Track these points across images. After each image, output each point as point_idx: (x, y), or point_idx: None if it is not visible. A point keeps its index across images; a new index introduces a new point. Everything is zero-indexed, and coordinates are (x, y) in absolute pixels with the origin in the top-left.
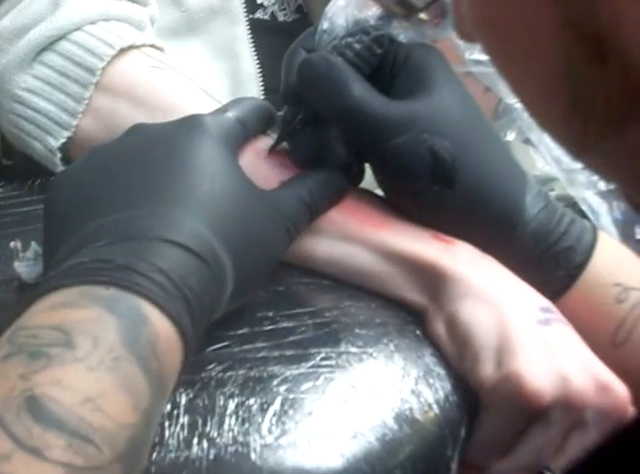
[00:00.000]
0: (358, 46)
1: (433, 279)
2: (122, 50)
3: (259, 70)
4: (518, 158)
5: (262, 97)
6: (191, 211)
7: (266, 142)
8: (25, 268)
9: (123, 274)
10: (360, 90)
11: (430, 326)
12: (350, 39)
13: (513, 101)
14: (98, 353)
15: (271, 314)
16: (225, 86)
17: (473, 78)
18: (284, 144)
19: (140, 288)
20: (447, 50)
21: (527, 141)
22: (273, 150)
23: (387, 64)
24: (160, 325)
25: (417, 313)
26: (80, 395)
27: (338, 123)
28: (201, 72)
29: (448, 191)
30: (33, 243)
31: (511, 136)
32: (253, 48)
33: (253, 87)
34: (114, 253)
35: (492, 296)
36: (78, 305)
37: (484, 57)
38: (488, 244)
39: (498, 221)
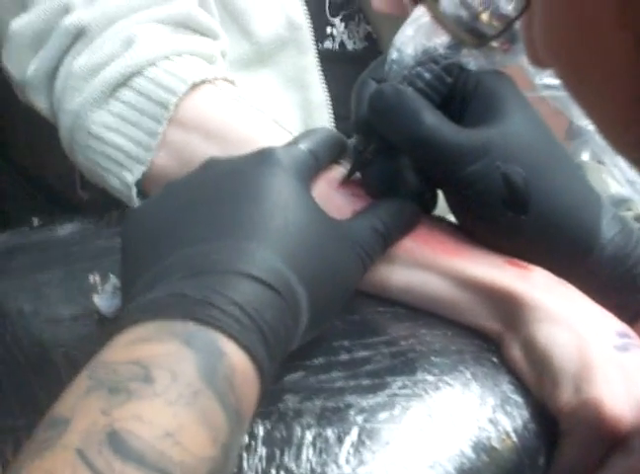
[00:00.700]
0: (428, 76)
1: (508, 306)
2: (195, 85)
3: (328, 99)
4: (591, 179)
5: (332, 125)
6: (264, 244)
7: (338, 172)
8: (104, 301)
9: (199, 307)
10: (432, 119)
11: (506, 352)
12: (419, 69)
13: (585, 123)
14: (176, 387)
15: (346, 343)
16: (296, 116)
17: (544, 101)
18: (357, 174)
19: (216, 322)
20: (517, 75)
21: (601, 162)
22: (346, 181)
23: (458, 92)
24: (237, 358)
25: (493, 340)
26: (160, 429)
27: (410, 153)
28: (273, 103)
29: (522, 217)
30: (111, 276)
31: (585, 156)
32: (322, 78)
33: (323, 115)
34: (189, 287)
35: (569, 321)
36: (156, 340)
37: (554, 81)
38: (563, 269)
39: (573, 246)
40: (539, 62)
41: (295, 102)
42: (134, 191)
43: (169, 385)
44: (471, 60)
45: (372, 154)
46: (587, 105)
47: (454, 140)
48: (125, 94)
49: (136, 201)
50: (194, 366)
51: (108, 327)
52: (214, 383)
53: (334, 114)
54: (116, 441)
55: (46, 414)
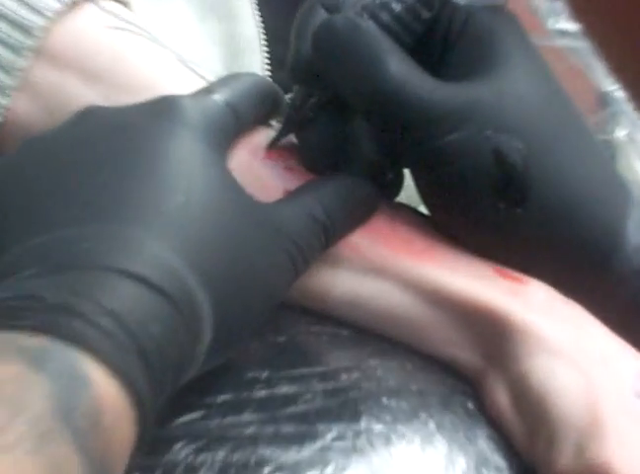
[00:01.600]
0: (397, 7)
1: (494, 332)
2: (74, 4)
3: (262, 36)
4: (620, 164)
5: (266, 72)
6: (155, 231)
7: (266, 136)
8: None
9: (57, 316)
10: (399, 66)
11: (487, 396)
12: None
13: (612, 87)
14: (17, 426)
15: (265, 375)
16: (215, 56)
17: (559, 54)
18: (292, 139)
19: (80, 337)
20: (524, 17)
21: (634, 140)
22: (274, 145)
23: (438, 33)
24: (106, 388)
25: (469, 378)
26: None
27: (367, 112)
28: (185, 37)
29: (519, 210)
30: None
31: (621, 132)
32: (254, 6)
33: (254, 57)
34: (45, 287)
35: (575, 356)
36: None
37: (574, 27)
38: (572, 284)
39: (586, 254)
40: None
41: (216, 36)
42: None
43: (7, 423)
44: None
45: (314, 111)
46: (619, 59)
47: (428, 97)
48: None
49: None
50: (44, 398)
51: None
52: (72, 422)
53: (269, 56)
54: None
55: None
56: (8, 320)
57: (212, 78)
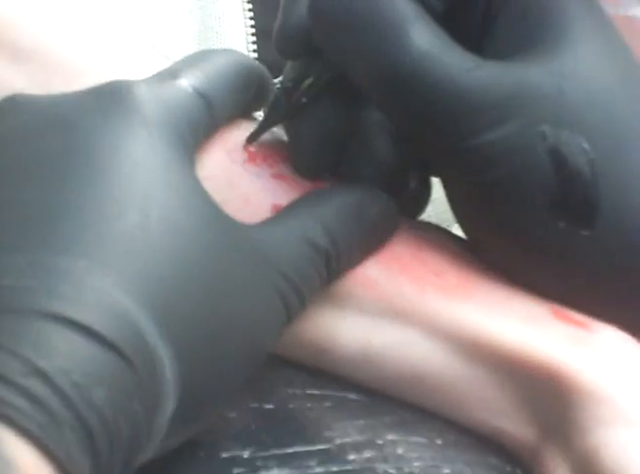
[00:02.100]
0: None
1: (553, 395)
2: None
3: (245, 3)
4: None
5: (250, 48)
6: (100, 263)
7: (248, 133)
8: None
9: None
10: (426, 38)
11: None
12: None
13: None
14: None
15: (246, 455)
16: (188, 27)
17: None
18: (281, 135)
19: (3, 409)
20: None
21: None
22: (253, 140)
23: None
24: None
25: (521, 456)
26: None
27: (382, 99)
28: (147, 5)
29: (584, 232)
30: None
31: None
32: None
33: (235, 30)
34: None
35: None
36: None
37: None
38: None
39: None
40: None
41: (188, 5)
42: None
43: None
44: None
45: (309, 96)
46: None
47: (464, 81)
48: None
49: None
50: None
51: None
52: None
53: (254, 26)
54: None
55: None
56: None
57: (179, 56)
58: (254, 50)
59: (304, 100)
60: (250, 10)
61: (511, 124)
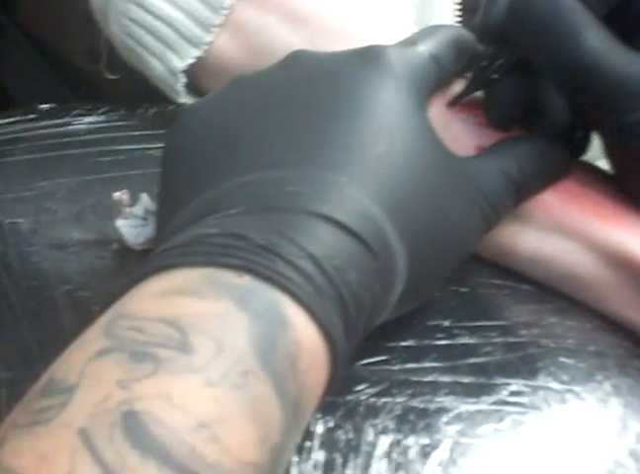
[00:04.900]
0: None
1: None
2: None
3: None
4: None
5: (456, 19)
6: (357, 178)
7: (461, 89)
8: (130, 228)
9: (262, 257)
10: (598, 41)
11: None
12: None
13: None
14: (221, 362)
15: (447, 324)
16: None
17: None
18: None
19: (282, 280)
20: None
21: None
22: (457, 102)
23: (636, 2)
24: (304, 331)
25: None
26: (194, 418)
27: (561, 85)
28: None
29: None
30: (144, 195)
31: None
32: None
33: (445, 4)
34: (250, 227)
35: None
36: (201, 294)
37: None
38: None
39: None
40: None
41: None
42: (182, 82)
43: (212, 359)
44: None
45: (500, 73)
46: None
47: (624, 71)
48: None
49: (183, 96)
50: (246, 337)
51: (134, 263)
52: (272, 363)
53: (462, 5)
54: (134, 427)
55: (45, 372)
56: (215, 256)
57: (410, 27)
58: (459, 21)
59: (495, 76)
60: None
61: None
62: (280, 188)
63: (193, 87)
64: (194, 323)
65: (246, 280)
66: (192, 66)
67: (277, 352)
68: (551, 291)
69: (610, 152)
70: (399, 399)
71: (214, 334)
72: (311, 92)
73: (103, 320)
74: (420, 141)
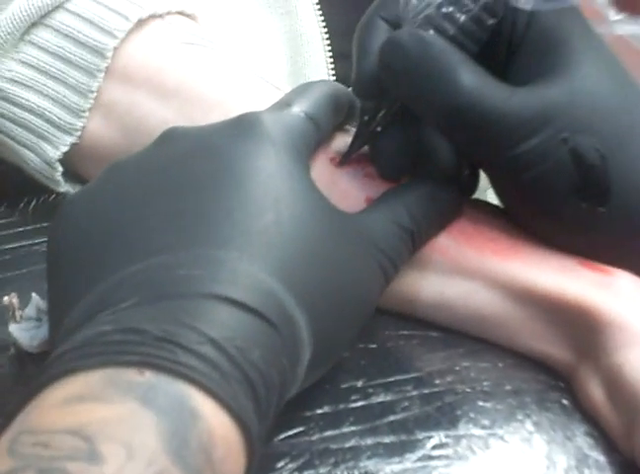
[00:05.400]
0: (461, 18)
1: (585, 326)
2: (141, 22)
3: (324, 32)
4: None
5: (329, 65)
6: (248, 252)
7: (344, 143)
8: (23, 331)
9: (161, 349)
10: (473, 79)
11: (581, 390)
12: (450, 9)
13: None
14: (133, 467)
15: (360, 384)
16: (281, 52)
17: (625, 43)
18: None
19: (185, 370)
20: (585, 7)
21: None
22: (346, 159)
23: (502, 37)
24: (215, 420)
25: (562, 374)
26: None
27: (442, 127)
28: (251, 34)
29: (600, 208)
30: (34, 295)
31: None
32: (315, 4)
33: (317, 53)
34: (146, 319)
35: None
36: (103, 398)
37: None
38: None
39: None
40: None
41: (278, 33)
42: (60, 171)
43: (123, 465)
44: None
45: (383, 124)
46: None
47: (504, 107)
48: (43, 36)
49: (63, 185)
50: (156, 436)
51: (33, 370)
52: (185, 458)
53: (332, 51)
54: None
55: None
56: (112, 355)
57: (286, 86)
58: (332, 68)
59: (379, 128)
60: (327, 36)
61: (540, 135)
62: (172, 273)
63: (72, 174)
64: (100, 430)
65: (148, 377)
66: (67, 154)
67: (189, 446)
68: (460, 335)
69: (499, 187)
70: (322, 470)
71: (123, 438)
72: (190, 170)
73: (5, 439)
74: (307, 205)
